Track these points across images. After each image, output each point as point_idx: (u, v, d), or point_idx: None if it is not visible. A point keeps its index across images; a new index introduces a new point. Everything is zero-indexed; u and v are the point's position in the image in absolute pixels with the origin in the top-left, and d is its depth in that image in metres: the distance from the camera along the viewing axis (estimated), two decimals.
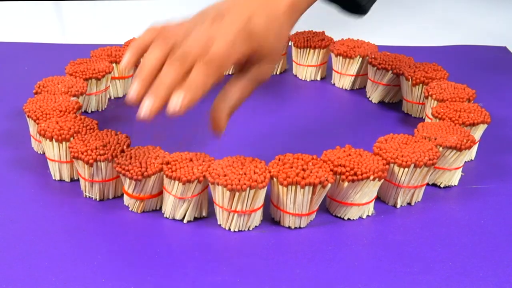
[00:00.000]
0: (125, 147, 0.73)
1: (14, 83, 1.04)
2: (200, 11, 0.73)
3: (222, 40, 0.66)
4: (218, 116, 0.70)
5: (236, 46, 0.67)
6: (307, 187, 0.68)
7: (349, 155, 0.72)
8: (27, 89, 0.88)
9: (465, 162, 0.83)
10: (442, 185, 0.79)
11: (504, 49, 1.23)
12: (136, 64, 0.70)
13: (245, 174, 0.68)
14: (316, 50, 1.05)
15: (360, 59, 1.02)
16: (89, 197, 0.75)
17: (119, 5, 1.40)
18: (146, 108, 0.64)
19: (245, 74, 0.71)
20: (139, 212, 0.73)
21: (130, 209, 0.73)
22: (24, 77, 1.05)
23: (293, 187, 0.68)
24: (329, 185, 0.69)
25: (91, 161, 0.71)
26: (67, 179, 0.78)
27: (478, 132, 0.83)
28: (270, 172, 0.69)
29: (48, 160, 0.78)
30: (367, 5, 0.88)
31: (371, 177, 0.70)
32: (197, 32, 0.68)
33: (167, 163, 0.70)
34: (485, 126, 0.83)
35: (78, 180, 0.77)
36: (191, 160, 0.71)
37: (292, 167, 0.69)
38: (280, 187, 0.69)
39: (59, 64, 0.98)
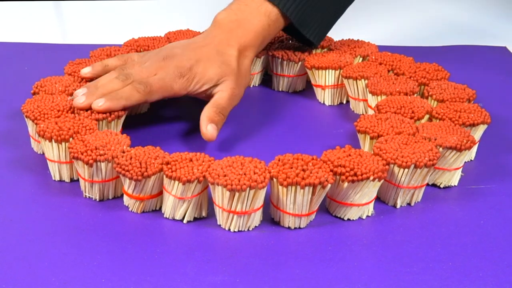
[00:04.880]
0: (125, 147, 0.73)
1: (14, 83, 1.04)
2: (162, 47, 0.91)
3: (160, 76, 0.84)
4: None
5: (170, 86, 0.83)
6: (307, 188, 0.68)
7: (349, 155, 0.72)
8: (27, 89, 0.88)
9: (465, 162, 0.83)
10: (442, 186, 0.79)
11: (504, 49, 1.23)
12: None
13: (245, 174, 0.68)
14: (317, 51, 1.05)
15: (361, 59, 1.02)
16: (89, 197, 0.75)
17: (119, 5, 1.40)
18: (76, 102, 0.80)
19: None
20: (139, 212, 0.73)
21: (130, 209, 0.73)
22: (24, 77, 1.05)
23: (293, 188, 0.68)
24: (329, 185, 0.69)
25: (91, 161, 0.71)
26: (67, 179, 0.78)
27: (478, 133, 0.83)
28: (270, 172, 0.69)
29: (47, 161, 0.78)
30: (317, 43, 1.01)
31: (371, 178, 0.70)
32: (147, 65, 0.86)
33: (167, 163, 0.70)
34: (485, 126, 0.83)
35: (78, 180, 0.77)
36: (191, 160, 0.71)
37: (292, 168, 0.69)
38: (280, 187, 0.69)
39: (59, 64, 0.98)
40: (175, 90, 0.84)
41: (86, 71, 0.88)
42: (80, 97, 0.80)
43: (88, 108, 0.80)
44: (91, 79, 0.88)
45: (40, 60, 1.14)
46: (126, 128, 0.87)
